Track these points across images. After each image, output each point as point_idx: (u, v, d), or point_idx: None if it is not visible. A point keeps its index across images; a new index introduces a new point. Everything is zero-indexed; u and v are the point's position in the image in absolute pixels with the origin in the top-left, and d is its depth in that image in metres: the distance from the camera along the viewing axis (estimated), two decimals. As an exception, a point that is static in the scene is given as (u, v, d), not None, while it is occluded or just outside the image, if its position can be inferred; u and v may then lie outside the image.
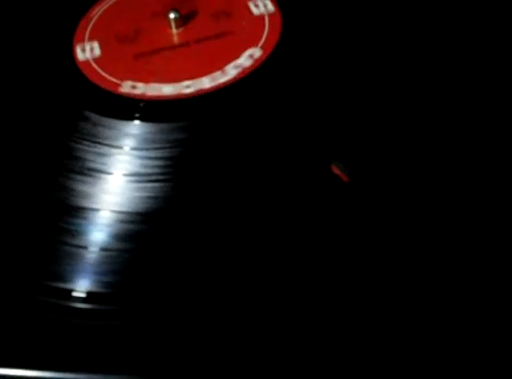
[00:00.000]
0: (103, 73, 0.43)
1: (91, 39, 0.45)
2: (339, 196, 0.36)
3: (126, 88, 0.42)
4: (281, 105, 0.40)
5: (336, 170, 0.37)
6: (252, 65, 0.42)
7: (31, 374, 0.33)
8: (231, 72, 0.41)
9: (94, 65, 0.43)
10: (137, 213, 0.37)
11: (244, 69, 0.41)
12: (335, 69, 0.42)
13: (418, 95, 0.40)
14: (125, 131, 0.40)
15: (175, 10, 0.44)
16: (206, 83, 0.41)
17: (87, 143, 0.40)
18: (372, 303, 0.33)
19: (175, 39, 0.44)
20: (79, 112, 0.41)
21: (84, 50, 0.44)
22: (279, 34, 0.43)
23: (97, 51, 0.44)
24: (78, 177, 0.39)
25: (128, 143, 0.39)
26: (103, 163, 0.39)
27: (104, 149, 0.39)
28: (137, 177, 0.38)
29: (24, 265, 0.37)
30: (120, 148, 0.39)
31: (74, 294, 0.35)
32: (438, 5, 0.44)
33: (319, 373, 0.32)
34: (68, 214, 0.38)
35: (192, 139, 0.39)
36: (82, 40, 0.45)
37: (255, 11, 0.45)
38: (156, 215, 0.37)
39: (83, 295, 0.35)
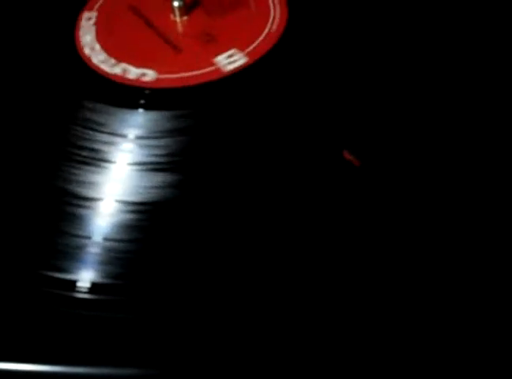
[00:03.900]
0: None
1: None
2: (351, 180, 0.36)
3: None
4: (292, 90, 0.39)
5: (347, 155, 0.36)
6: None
7: (34, 368, 0.33)
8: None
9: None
10: (142, 203, 0.37)
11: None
12: (347, 55, 0.41)
13: (429, 80, 0.40)
14: (129, 120, 0.39)
15: None
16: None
17: (90, 132, 0.39)
18: (384, 286, 0.33)
19: (180, 28, 0.43)
20: (81, 101, 0.40)
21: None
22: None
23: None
24: (82, 166, 0.38)
25: (132, 131, 0.39)
26: (107, 152, 0.38)
27: (109, 138, 0.39)
28: (142, 166, 0.38)
29: (27, 256, 0.36)
30: (124, 136, 0.39)
31: (78, 285, 0.35)
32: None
33: (319, 373, 0.32)
34: (71, 204, 0.37)
35: (198, 127, 0.39)
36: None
37: None
38: (161, 205, 0.36)
39: (87, 287, 0.35)
